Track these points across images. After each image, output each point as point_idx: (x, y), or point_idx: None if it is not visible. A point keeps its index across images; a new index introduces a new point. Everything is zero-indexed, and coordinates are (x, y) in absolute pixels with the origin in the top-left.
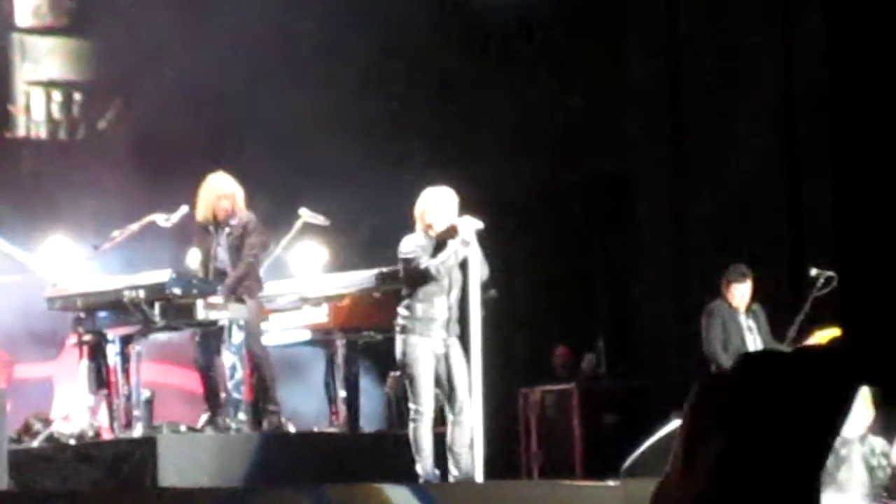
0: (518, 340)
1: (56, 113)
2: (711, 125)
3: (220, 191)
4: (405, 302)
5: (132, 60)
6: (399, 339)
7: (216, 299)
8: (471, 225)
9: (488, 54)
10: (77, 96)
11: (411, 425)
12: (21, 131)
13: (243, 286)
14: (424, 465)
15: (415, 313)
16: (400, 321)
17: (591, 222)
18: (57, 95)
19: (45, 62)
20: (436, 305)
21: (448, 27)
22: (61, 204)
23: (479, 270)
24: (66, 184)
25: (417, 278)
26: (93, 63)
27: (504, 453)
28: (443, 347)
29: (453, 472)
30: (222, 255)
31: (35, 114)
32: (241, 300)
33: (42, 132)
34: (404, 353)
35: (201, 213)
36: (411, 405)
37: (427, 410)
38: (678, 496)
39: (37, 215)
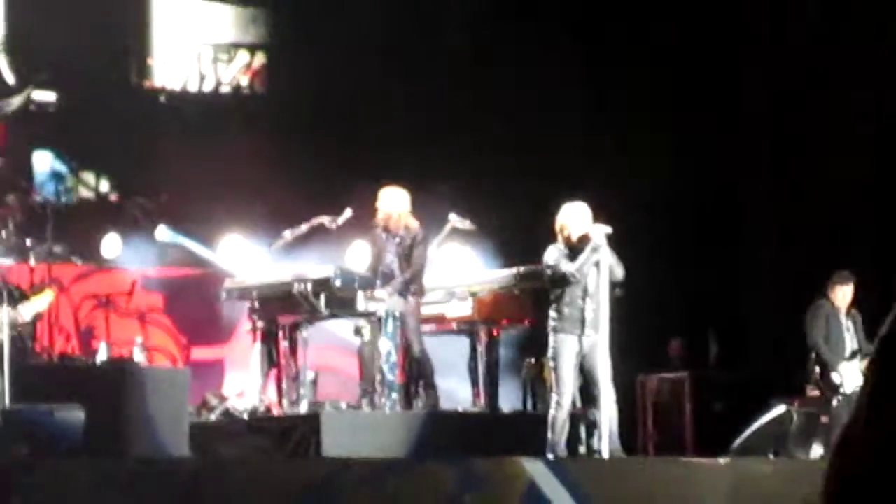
0: (637, 333)
1: (199, 68)
2: (810, 146)
3: (396, 204)
4: (554, 305)
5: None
6: (551, 336)
7: (378, 293)
8: (600, 230)
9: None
10: (222, 55)
11: (551, 412)
12: (158, 82)
13: (410, 289)
14: (558, 445)
15: (562, 314)
16: (551, 322)
17: (704, 231)
18: (201, 51)
19: (186, 23)
20: (580, 307)
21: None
22: (238, 204)
23: (608, 271)
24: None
25: (560, 282)
26: (237, 25)
27: (623, 433)
28: (588, 344)
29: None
30: (390, 259)
31: (175, 68)
32: (407, 300)
33: (181, 84)
34: (553, 349)
35: (378, 218)
36: (554, 394)
37: (566, 402)
38: (863, 444)
39: (216, 217)
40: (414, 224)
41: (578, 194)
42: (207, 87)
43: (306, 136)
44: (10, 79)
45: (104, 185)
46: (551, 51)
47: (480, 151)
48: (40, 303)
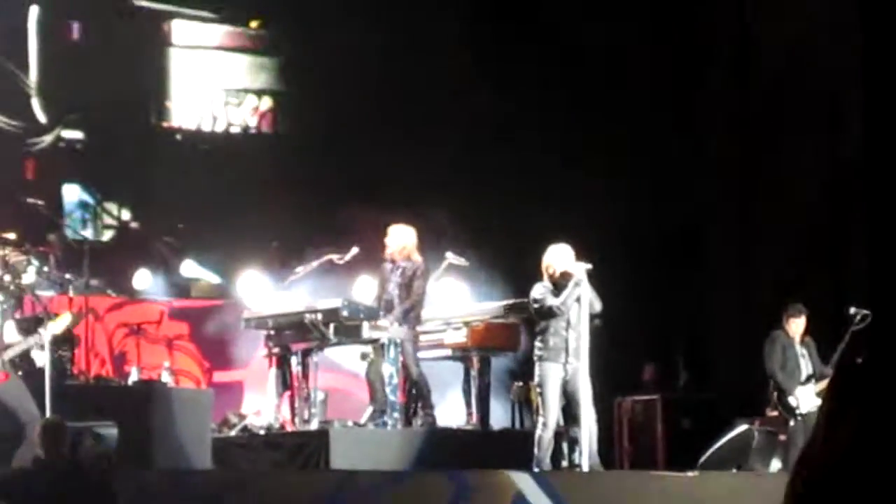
0: (614, 359)
1: (211, 110)
2: (770, 189)
3: (403, 240)
4: (539, 336)
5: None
6: (536, 365)
7: (382, 322)
8: (581, 267)
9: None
10: (232, 99)
11: (538, 432)
12: (175, 123)
13: (408, 318)
14: (543, 461)
15: (547, 344)
16: (537, 351)
17: (674, 269)
18: (213, 95)
19: (200, 70)
20: (564, 337)
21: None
22: (252, 240)
23: (587, 304)
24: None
25: (546, 315)
26: (246, 72)
27: (602, 449)
28: (570, 370)
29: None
30: (393, 289)
31: (190, 110)
32: (406, 329)
33: (195, 125)
34: (539, 376)
35: (387, 253)
36: (540, 417)
37: (551, 423)
38: (821, 459)
39: (234, 252)
40: (418, 258)
41: (561, 235)
42: (219, 128)
43: (308, 172)
44: (43, 118)
45: (125, 215)
46: (534, 99)
47: (478, 193)
48: (57, 325)
